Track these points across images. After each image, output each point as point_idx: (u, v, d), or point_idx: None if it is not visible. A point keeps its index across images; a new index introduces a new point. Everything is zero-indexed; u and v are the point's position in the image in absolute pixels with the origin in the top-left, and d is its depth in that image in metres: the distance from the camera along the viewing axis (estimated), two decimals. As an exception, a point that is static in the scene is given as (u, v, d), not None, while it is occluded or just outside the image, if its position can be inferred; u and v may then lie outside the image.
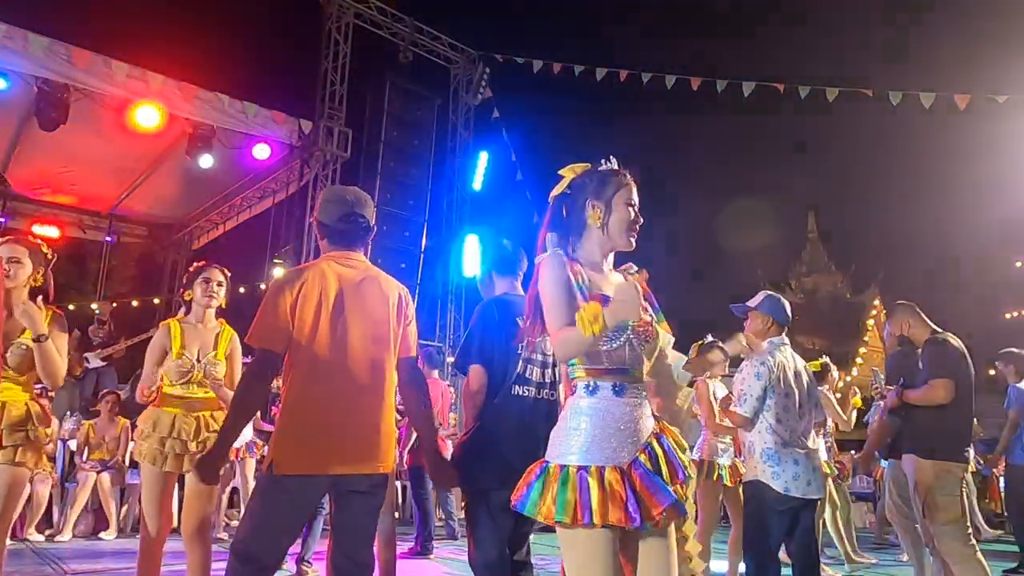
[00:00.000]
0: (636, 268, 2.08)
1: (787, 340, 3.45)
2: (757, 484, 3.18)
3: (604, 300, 1.77)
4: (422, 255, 12.07)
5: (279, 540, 2.18)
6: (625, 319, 1.70)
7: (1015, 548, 6.24)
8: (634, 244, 1.99)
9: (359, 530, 2.27)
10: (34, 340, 2.72)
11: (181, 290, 3.39)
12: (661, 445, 1.86)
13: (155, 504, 3.08)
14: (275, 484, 2.17)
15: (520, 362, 2.74)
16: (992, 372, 12.76)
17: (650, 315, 1.97)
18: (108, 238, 12.90)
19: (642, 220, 1.99)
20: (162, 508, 3.10)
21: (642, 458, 1.80)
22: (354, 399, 2.25)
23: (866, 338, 24.24)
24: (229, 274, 3.43)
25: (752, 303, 3.50)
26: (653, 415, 1.95)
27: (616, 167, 2.02)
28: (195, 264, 3.42)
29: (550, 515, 1.73)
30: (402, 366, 2.45)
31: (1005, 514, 8.01)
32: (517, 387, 2.72)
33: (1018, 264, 22.82)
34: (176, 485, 3.28)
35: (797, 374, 3.34)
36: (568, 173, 2.03)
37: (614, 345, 1.85)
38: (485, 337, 2.77)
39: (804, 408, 3.28)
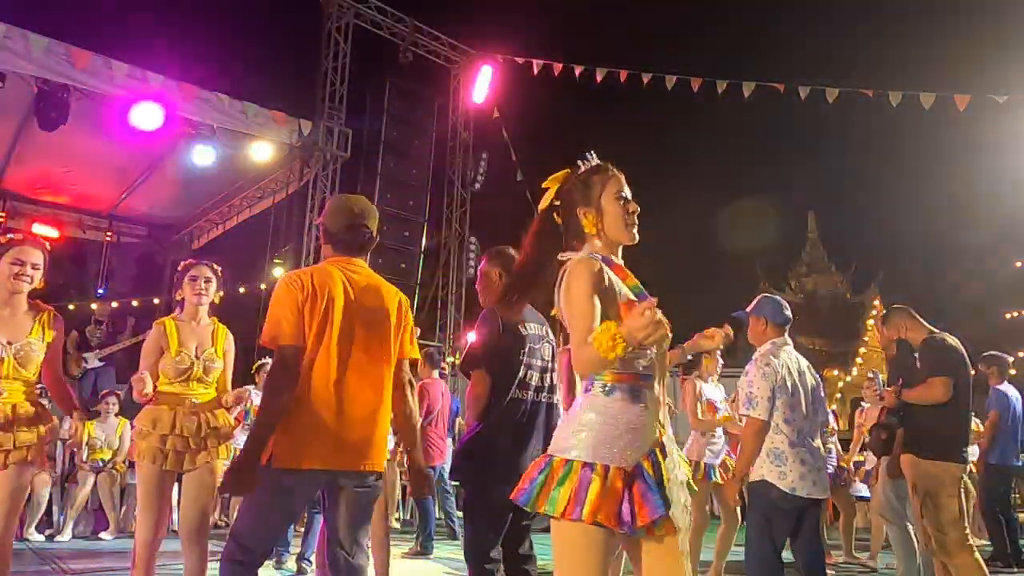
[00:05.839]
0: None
1: (789, 341, 3.44)
2: (763, 484, 3.18)
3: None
4: (422, 255, 12.06)
5: (274, 531, 2.29)
6: (648, 341, 1.57)
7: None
8: (636, 236, 1.95)
9: (351, 524, 2.31)
10: None
11: (175, 290, 3.37)
12: (664, 454, 1.81)
13: (153, 504, 3.04)
14: (274, 478, 2.21)
15: (522, 367, 2.85)
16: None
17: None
18: (108, 238, 12.91)
19: (637, 208, 1.95)
20: (160, 508, 3.07)
21: (645, 464, 1.76)
22: (352, 399, 2.30)
23: (866, 338, 24.21)
24: (219, 268, 3.39)
25: (749, 308, 3.51)
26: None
27: (596, 163, 1.99)
28: (184, 263, 3.40)
29: (542, 508, 1.71)
30: (398, 366, 2.52)
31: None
32: (517, 391, 2.84)
33: (1018, 264, 22.82)
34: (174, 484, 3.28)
35: (801, 373, 3.34)
36: (552, 184, 2.00)
37: (649, 351, 1.82)
38: (491, 343, 2.85)
39: (810, 407, 3.28)
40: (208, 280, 3.30)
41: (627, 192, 1.96)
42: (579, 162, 2.00)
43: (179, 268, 3.39)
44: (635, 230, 1.95)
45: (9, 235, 3.05)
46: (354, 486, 2.29)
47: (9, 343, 2.77)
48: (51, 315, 2.93)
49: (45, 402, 3.09)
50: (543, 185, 2.02)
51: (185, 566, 3.07)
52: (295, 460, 2.21)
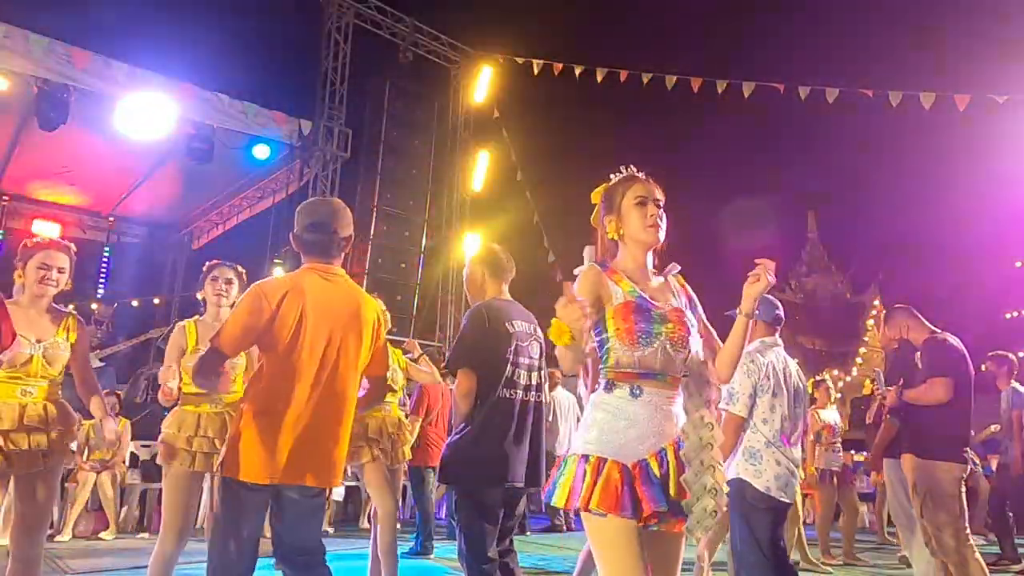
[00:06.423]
0: (679, 268, 2.10)
1: (780, 341, 3.43)
2: (739, 482, 3.17)
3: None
4: (422, 255, 12.06)
5: (242, 543, 2.21)
6: (573, 326, 1.66)
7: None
8: (659, 237, 1.98)
9: (300, 529, 2.33)
10: None
11: (197, 291, 3.38)
12: (677, 455, 1.83)
13: (181, 509, 3.01)
14: (226, 486, 2.23)
15: (509, 366, 2.84)
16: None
17: (687, 321, 1.95)
18: (108, 238, 12.92)
19: (657, 211, 1.98)
20: (187, 514, 3.05)
21: (652, 462, 1.81)
22: (313, 417, 2.29)
23: (866, 338, 24.21)
24: (243, 271, 3.40)
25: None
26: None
27: (624, 173, 2.05)
28: (208, 263, 3.41)
29: (558, 501, 1.83)
30: (372, 383, 2.59)
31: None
32: (505, 390, 2.82)
33: (1018, 264, 22.85)
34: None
35: (787, 376, 3.32)
36: (596, 198, 2.08)
37: (646, 351, 1.87)
38: (476, 341, 2.85)
39: (791, 410, 3.27)
40: (229, 281, 3.31)
41: (654, 195, 2.00)
42: (612, 175, 2.07)
43: (203, 268, 3.41)
44: (658, 232, 1.98)
45: (36, 238, 3.06)
46: (298, 497, 2.29)
47: (38, 341, 2.79)
48: (74, 318, 2.99)
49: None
50: (594, 202, 2.09)
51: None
52: (243, 472, 2.20)
